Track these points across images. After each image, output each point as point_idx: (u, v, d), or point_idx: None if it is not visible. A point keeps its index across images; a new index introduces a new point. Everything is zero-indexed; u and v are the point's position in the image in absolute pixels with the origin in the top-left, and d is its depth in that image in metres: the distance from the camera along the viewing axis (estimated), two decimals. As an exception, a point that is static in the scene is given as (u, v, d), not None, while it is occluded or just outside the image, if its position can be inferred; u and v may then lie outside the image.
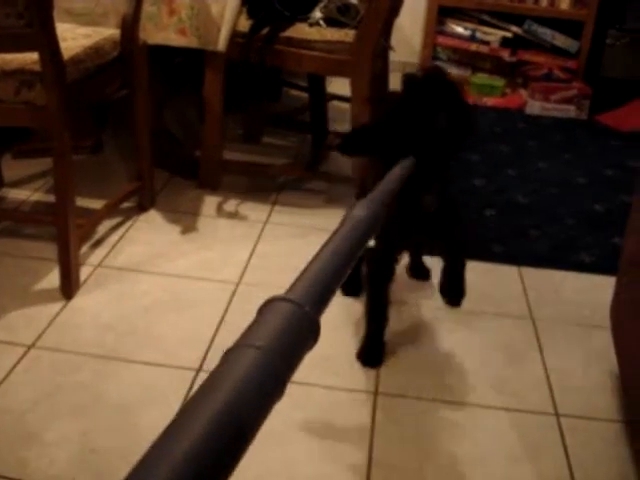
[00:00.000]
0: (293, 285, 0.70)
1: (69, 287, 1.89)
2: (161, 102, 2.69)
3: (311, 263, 0.76)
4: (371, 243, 1.72)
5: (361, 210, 0.86)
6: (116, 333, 1.77)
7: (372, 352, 1.76)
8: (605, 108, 3.77)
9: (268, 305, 0.65)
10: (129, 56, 2.08)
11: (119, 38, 2.06)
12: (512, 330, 1.91)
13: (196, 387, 1.65)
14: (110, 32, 2.08)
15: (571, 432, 1.57)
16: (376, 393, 1.64)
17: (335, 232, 0.81)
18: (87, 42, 1.98)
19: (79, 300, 1.89)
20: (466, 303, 1.99)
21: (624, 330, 1.58)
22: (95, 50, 1.97)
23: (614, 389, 1.71)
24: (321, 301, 0.69)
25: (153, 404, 1.55)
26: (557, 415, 1.62)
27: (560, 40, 3.97)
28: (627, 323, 1.56)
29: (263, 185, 2.61)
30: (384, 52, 2.70)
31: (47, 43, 1.67)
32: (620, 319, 1.61)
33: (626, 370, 1.56)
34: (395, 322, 1.86)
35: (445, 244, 1.76)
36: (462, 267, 1.76)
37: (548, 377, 1.74)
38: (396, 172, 1.18)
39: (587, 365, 1.79)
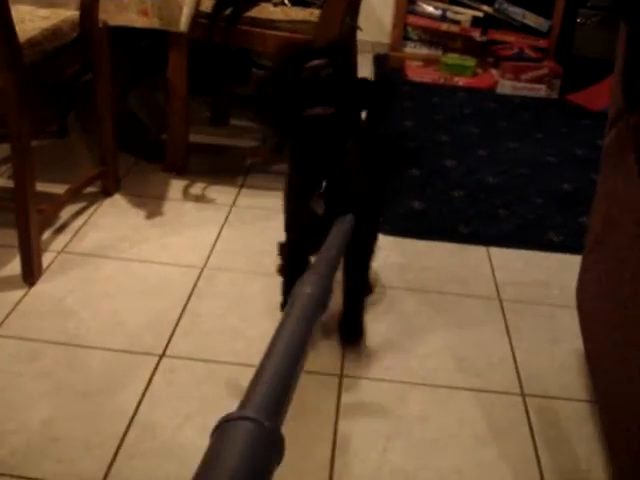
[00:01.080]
0: (248, 395, 0.63)
1: (31, 274, 1.86)
2: (125, 85, 2.65)
3: (264, 364, 0.68)
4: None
5: (309, 287, 0.83)
6: (79, 319, 1.75)
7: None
8: (576, 87, 3.77)
9: (225, 428, 0.59)
10: (89, 38, 2.04)
11: (78, 19, 2.02)
12: (479, 310, 1.91)
13: (159, 372, 1.62)
14: (69, 14, 2.04)
15: (537, 412, 1.57)
16: (341, 375, 1.63)
17: (286, 316, 0.77)
18: (45, 24, 1.93)
19: (41, 287, 1.86)
20: (434, 283, 1.99)
21: (589, 309, 1.58)
22: (53, 32, 1.92)
23: (580, 368, 1.70)
24: (280, 409, 0.62)
25: (117, 391, 1.53)
26: (523, 395, 1.61)
27: (531, 19, 3.96)
28: (591, 302, 1.56)
29: (230, 168, 2.58)
30: (351, 31, 2.67)
31: (1, 25, 1.63)
32: (585, 298, 1.61)
33: (591, 349, 1.56)
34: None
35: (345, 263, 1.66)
36: (360, 298, 1.71)
37: (514, 357, 1.73)
38: (337, 234, 1.14)
39: (553, 345, 1.79)
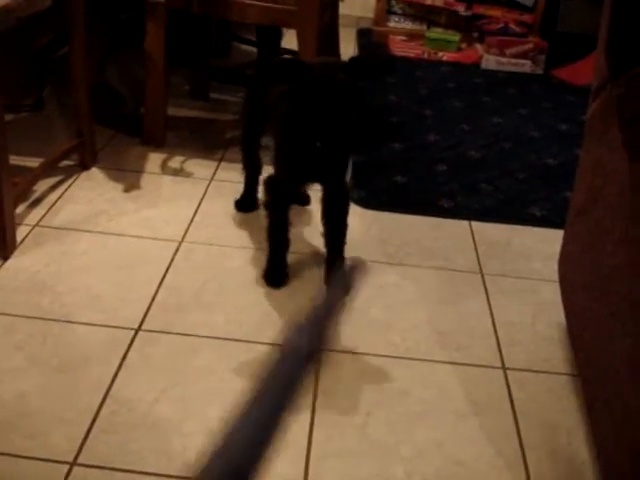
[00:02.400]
0: None
1: (4, 247, 1.82)
2: (102, 57, 2.60)
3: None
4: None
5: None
6: (54, 293, 1.71)
7: (275, 273, 1.82)
8: (561, 63, 3.74)
9: None
10: (64, 6, 1.99)
11: (53, -14, 1.97)
12: (460, 284, 1.89)
13: (135, 346, 1.58)
14: (43, -20, 1.99)
15: (518, 385, 1.55)
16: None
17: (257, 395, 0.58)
18: (18, -9, 1.88)
19: (15, 260, 1.82)
20: (415, 257, 1.97)
21: (570, 281, 1.56)
22: (27, -1, 1.87)
23: (561, 341, 1.69)
24: None
25: (92, 365, 1.50)
26: (504, 368, 1.60)
27: (516, -6, 3.92)
28: (573, 274, 1.54)
29: (210, 142, 2.54)
30: (333, 2, 2.63)
31: (-30, -10, 1.59)
32: (567, 270, 1.59)
33: (572, 321, 1.55)
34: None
35: (327, 194, 1.80)
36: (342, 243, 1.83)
37: (496, 330, 1.72)
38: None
39: (535, 318, 1.77)
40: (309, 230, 2.05)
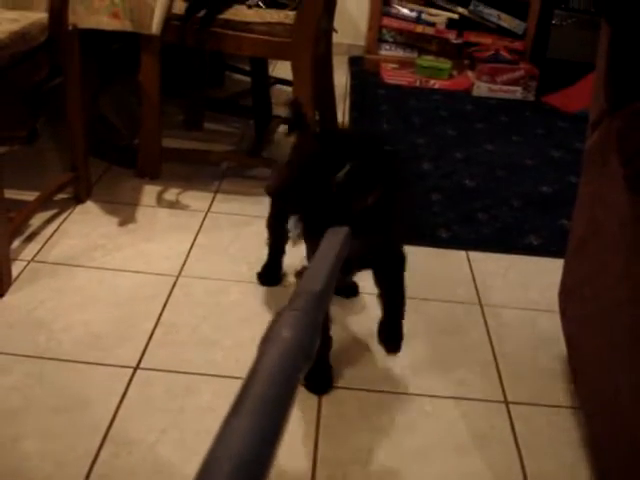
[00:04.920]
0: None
1: (0, 284, 1.80)
2: (97, 89, 2.60)
3: (225, 441, 0.49)
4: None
5: (288, 329, 0.59)
6: (50, 331, 1.69)
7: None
8: (552, 89, 3.77)
9: None
10: (58, 41, 1.98)
11: (47, 22, 1.97)
12: (460, 316, 1.88)
13: (134, 385, 1.56)
14: (38, 16, 1.98)
15: (521, 419, 1.54)
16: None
17: (254, 370, 0.53)
18: (13, 27, 1.88)
19: (11, 297, 1.80)
20: (413, 289, 1.95)
21: (571, 314, 1.55)
22: (21, 35, 1.87)
23: (563, 373, 1.68)
24: None
25: (90, 405, 1.48)
26: (506, 402, 1.59)
27: (506, 21, 3.95)
28: (574, 306, 1.54)
29: (205, 173, 2.53)
30: (327, 34, 2.64)
31: (-34, 27, 1.58)
32: (567, 302, 1.59)
33: (574, 354, 1.54)
34: (340, 315, 1.82)
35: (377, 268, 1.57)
36: (401, 306, 1.59)
37: (497, 363, 1.70)
38: (327, 250, 0.81)
39: (536, 350, 1.76)
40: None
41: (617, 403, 1.23)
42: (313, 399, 1.55)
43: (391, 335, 1.58)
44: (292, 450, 1.41)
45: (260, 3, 2.26)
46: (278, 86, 3.04)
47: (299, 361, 0.56)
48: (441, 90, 3.79)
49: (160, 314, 1.77)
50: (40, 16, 1.99)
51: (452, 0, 3.94)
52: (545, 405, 1.59)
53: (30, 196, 2.10)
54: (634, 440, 1.16)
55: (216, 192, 2.41)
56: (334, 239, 0.85)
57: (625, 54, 1.30)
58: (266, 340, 0.57)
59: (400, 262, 1.58)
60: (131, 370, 1.58)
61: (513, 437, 1.49)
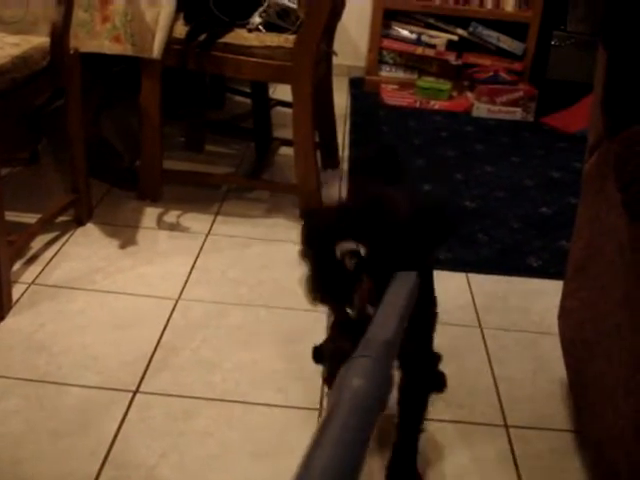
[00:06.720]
0: None
1: (0, 307, 1.80)
2: (98, 111, 2.61)
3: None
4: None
5: (360, 378, 0.56)
6: (50, 354, 1.69)
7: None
8: (551, 110, 3.78)
9: None
10: (60, 65, 2.00)
11: (49, 47, 1.98)
12: (460, 339, 1.88)
13: (134, 409, 1.56)
14: (40, 40, 2.00)
15: (521, 443, 1.54)
16: (321, 409, 1.59)
17: (327, 421, 0.54)
18: (15, 51, 1.89)
19: (11, 320, 1.81)
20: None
21: (571, 338, 1.55)
22: (23, 60, 1.88)
23: (563, 397, 1.68)
24: None
25: (90, 429, 1.48)
26: (506, 426, 1.58)
27: (506, 42, 3.98)
28: (573, 331, 1.53)
29: (206, 195, 2.54)
30: (327, 57, 2.65)
31: (-32, 53, 1.59)
32: (567, 326, 1.59)
33: (574, 378, 1.53)
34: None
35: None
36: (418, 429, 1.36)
37: (497, 387, 1.70)
38: (397, 296, 0.76)
39: (536, 373, 1.76)
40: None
41: (617, 428, 1.23)
42: (312, 421, 1.55)
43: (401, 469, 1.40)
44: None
45: (260, 27, 2.27)
46: (278, 108, 3.06)
47: (371, 410, 0.54)
48: (441, 111, 3.81)
49: (160, 337, 1.77)
50: (42, 40, 2.00)
51: (451, 22, 3.97)
52: (545, 429, 1.59)
53: (31, 218, 2.10)
54: (634, 466, 1.16)
55: (216, 214, 2.42)
56: (403, 284, 0.78)
57: (622, 78, 1.30)
58: (337, 388, 0.55)
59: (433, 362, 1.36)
60: (131, 394, 1.58)
61: (513, 461, 1.49)
